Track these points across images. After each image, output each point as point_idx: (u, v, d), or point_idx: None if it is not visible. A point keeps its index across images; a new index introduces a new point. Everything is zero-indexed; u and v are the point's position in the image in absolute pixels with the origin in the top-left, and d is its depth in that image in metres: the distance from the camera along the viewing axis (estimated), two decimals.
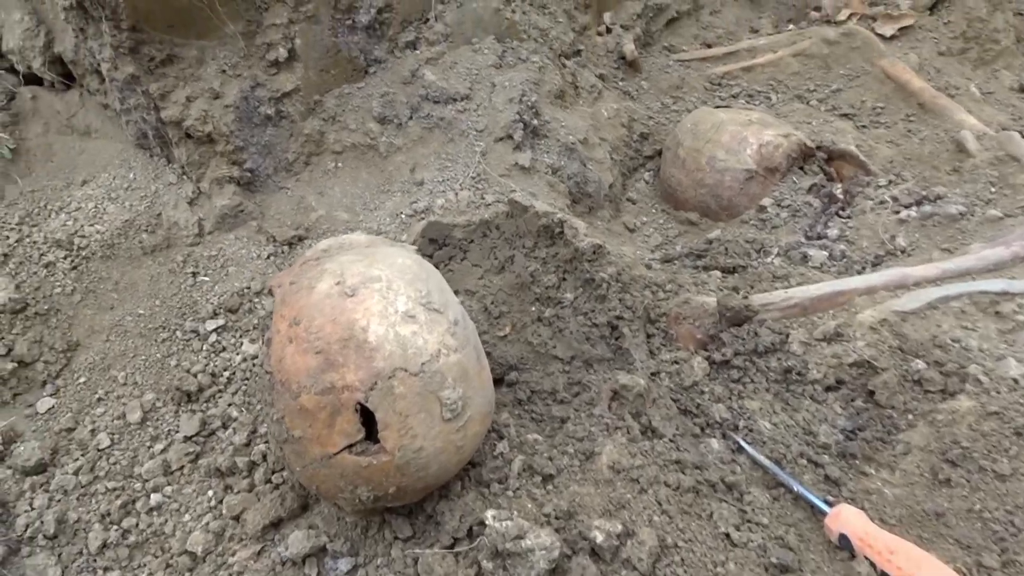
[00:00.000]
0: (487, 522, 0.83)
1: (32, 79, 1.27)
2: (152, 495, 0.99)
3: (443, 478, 0.83)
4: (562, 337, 1.11)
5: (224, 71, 1.17)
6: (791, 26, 1.85)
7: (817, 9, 1.82)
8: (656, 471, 0.90)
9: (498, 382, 1.11)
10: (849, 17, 1.73)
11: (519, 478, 0.92)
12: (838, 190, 1.38)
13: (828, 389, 1.00)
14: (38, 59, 1.22)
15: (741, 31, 1.90)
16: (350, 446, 0.77)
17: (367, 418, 0.77)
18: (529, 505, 0.88)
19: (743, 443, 0.95)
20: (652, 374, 1.05)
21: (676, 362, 1.06)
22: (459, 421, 0.80)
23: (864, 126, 1.55)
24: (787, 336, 1.04)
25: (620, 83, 1.67)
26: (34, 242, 1.15)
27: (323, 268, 0.81)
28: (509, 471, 0.92)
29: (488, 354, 1.11)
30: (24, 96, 1.25)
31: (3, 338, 1.07)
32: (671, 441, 0.94)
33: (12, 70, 1.26)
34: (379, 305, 0.78)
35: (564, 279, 1.16)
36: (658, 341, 1.10)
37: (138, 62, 1.10)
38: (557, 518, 0.86)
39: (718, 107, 1.59)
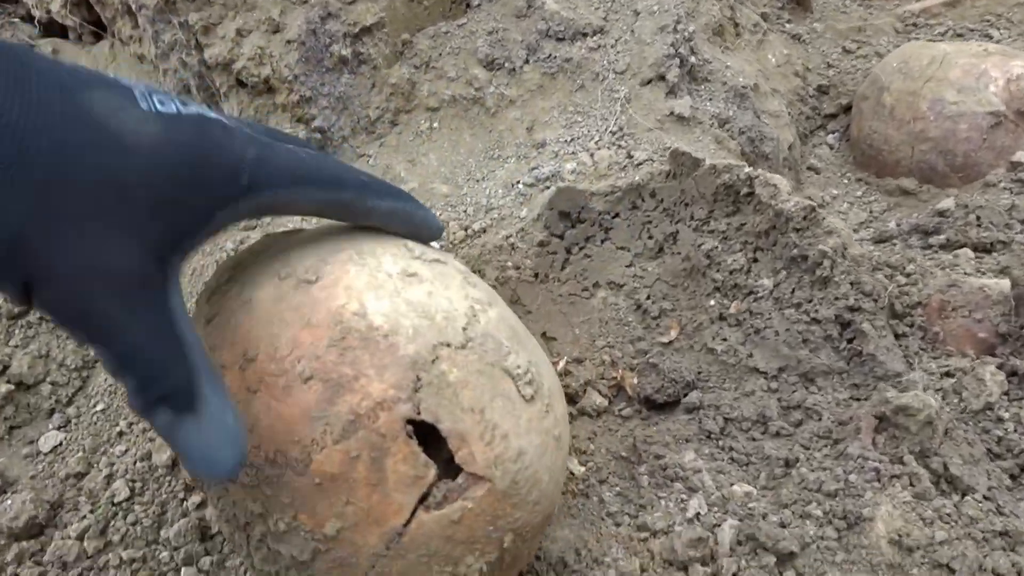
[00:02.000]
0: None
1: (53, 28, 1.06)
2: (183, 570, 0.71)
3: (556, 495, 0.53)
4: (762, 341, 0.79)
5: None
6: None
7: None
8: (973, 550, 0.56)
9: (671, 406, 0.79)
10: None
11: (735, 556, 0.59)
12: None
13: None
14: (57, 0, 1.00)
15: None
16: (423, 498, 0.45)
17: (427, 443, 0.46)
18: None
19: None
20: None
21: (950, 373, 0.72)
22: (542, 399, 0.50)
23: None
24: None
25: (787, 25, 1.35)
26: None
27: (246, 281, 0.50)
28: (717, 543, 0.60)
29: (653, 366, 0.80)
30: (44, 50, 1.04)
31: None
32: (986, 499, 0.60)
33: (28, 17, 1.05)
34: (359, 272, 0.47)
35: (756, 259, 0.84)
36: (914, 344, 0.76)
37: None
38: None
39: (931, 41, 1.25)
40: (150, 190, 0.35)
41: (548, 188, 0.95)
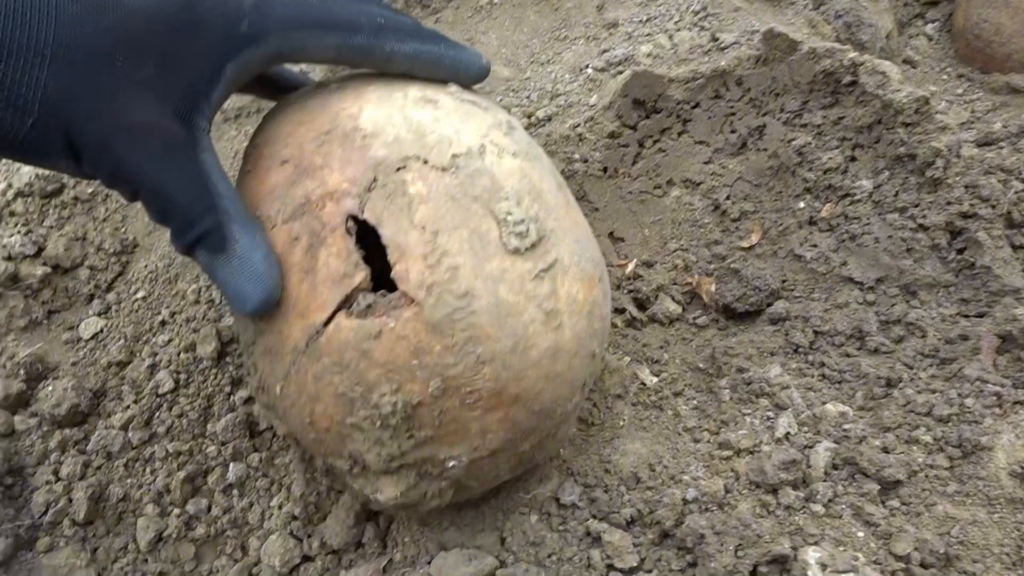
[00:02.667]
0: (807, 561, 0.47)
1: None
2: (232, 465, 0.69)
3: (530, 378, 0.44)
4: (859, 248, 0.72)
5: None
6: None
7: None
8: None
9: (753, 315, 0.73)
10: None
11: (830, 481, 0.55)
12: None
13: None
14: None
15: None
16: (348, 301, 0.42)
17: (374, 257, 0.44)
18: (861, 534, 0.51)
19: None
20: None
21: None
22: (537, 259, 0.44)
23: None
24: None
25: None
26: None
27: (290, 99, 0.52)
28: (809, 466, 0.56)
29: (735, 271, 0.74)
30: None
31: (30, 231, 0.79)
32: None
33: None
34: (380, 91, 0.47)
35: (855, 158, 0.76)
36: None
37: None
38: (924, 566, 0.49)
39: None
40: (154, 46, 0.38)
41: (621, 73, 0.87)
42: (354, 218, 0.43)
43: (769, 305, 0.72)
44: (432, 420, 0.44)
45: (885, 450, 0.55)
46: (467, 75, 0.50)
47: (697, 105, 0.85)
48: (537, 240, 0.44)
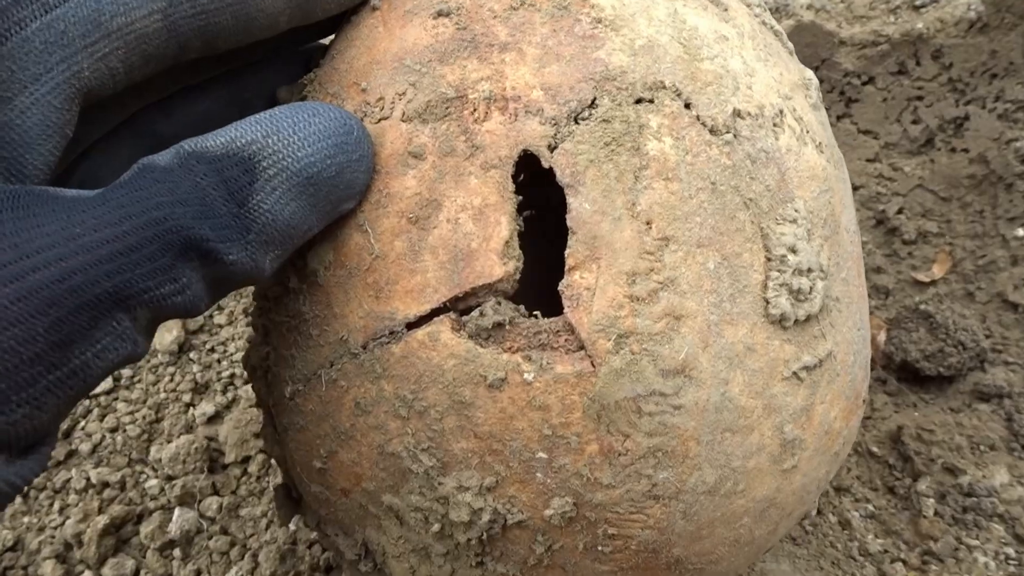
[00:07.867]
0: None
1: None
2: (177, 512, 0.49)
3: (722, 553, 0.27)
4: None
5: None
6: None
7: None
8: None
9: (946, 381, 0.52)
10: None
11: None
12: None
13: None
14: None
15: None
16: (463, 302, 0.24)
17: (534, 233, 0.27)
18: None
19: None
20: None
21: None
22: (805, 345, 0.25)
23: None
24: None
25: None
26: None
27: None
28: None
29: (925, 317, 0.54)
30: None
31: None
32: None
33: None
34: None
35: None
36: None
37: None
38: None
39: None
40: None
41: (780, 20, 0.67)
42: (530, 158, 0.24)
43: (972, 370, 0.52)
44: (527, 555, 0.25)
45: None
46: None
47: (871, 81, 0.65)
48: (817, 312, 0.25)
